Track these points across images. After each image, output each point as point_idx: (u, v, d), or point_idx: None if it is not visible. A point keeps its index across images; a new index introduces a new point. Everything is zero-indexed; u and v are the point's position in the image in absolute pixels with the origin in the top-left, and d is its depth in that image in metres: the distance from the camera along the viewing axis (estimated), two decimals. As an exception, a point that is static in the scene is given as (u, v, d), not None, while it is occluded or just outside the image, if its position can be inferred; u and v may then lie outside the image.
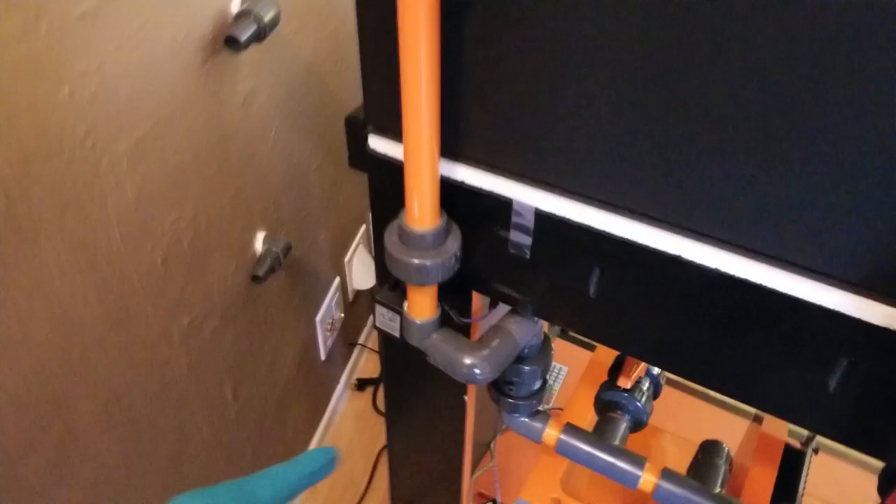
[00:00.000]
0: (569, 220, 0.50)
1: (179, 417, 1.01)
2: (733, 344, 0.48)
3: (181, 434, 1.02)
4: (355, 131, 0.58)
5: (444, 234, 0.55)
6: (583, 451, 0.82)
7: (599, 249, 0.50)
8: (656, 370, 0.96)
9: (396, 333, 0.71)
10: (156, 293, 0.89)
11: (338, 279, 1.53)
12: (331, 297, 1.50)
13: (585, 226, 0.49)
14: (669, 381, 1.79)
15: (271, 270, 1.08)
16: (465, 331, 0.66)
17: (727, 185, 0.42)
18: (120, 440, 0.88)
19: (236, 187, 1.02)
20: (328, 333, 1.53)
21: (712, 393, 1.76)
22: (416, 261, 0.54)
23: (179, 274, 0.93)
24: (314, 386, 1.55)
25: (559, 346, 1.73)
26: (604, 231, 0.49)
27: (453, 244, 0.55)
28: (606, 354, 1.18)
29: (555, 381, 1.65)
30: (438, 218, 0.54)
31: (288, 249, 1.12)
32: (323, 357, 1.54)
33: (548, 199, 0.50)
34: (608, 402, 0.90)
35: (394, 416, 0.93)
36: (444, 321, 0.65)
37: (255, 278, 1.05)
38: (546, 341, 0.76)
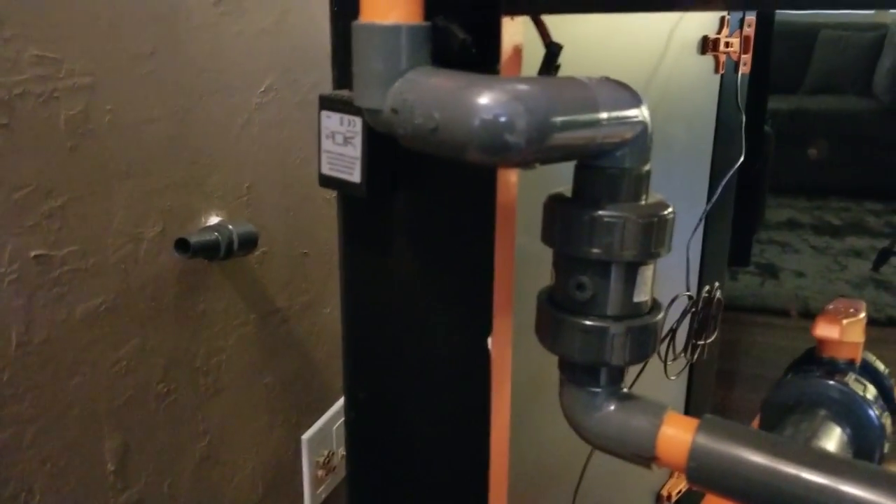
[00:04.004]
0: None
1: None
2: None
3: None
4: None
5: None
6: (759, 467, 0.35)
7: None
8: (882, 366, 0.47)
9: (356, 177, 0.38)
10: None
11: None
12: (333, 414, 1.05)
13: None
14: None
15: (212, 250, 0.70)
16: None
17: None
18: None
19: (183, 107, 0.70)
20: (321, 474, 1.04)
21: None
22: None
23: (36, 158, 0.57)
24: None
25: None
26: None
27: None
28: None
29: None
30: None
31: (252, 241, 0.75)
32: (310, 513, 1.03)
33: None
34: (800, 393, 0.41)
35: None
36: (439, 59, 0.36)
37: (182, 244, 0.67)
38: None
